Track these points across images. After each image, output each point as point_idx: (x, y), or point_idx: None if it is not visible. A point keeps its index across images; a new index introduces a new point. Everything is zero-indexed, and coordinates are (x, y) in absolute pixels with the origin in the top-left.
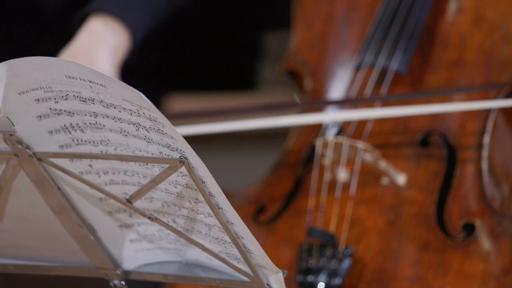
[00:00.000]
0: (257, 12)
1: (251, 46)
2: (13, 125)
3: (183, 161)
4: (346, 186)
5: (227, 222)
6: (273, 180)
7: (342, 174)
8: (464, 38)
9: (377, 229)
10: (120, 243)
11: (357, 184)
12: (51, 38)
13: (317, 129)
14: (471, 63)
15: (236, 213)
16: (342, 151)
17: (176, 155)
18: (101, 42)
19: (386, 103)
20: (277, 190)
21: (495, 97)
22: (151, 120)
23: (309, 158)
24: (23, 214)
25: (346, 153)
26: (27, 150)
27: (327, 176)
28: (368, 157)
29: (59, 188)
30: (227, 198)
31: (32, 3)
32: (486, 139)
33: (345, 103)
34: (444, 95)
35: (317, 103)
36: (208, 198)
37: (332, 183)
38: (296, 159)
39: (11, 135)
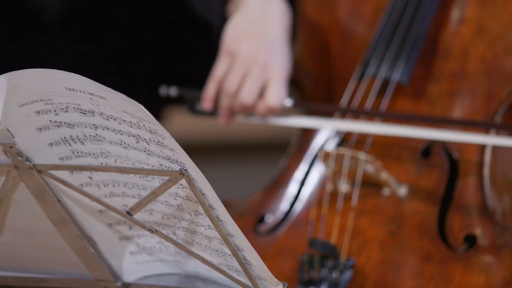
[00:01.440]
0: None
1: None
2: (13, 137)
3: (183, 173)
4: (348, 197)
5: (227, 234)
6: (275, 190)
7: (344, 185)
8: (466, 49)
9: (379, 240)
10: (120, 255)
11: (358, 195)
12: (51, 46)
13: (320, 140)
14: (473, 74)
15: (236, 225)
16: (344, 162)
17: (176, 167)
18: (273, 1)
19: (386, 119)
20: (279, 200)
21: (495, 113)
22: (151, 132)
23: (310, 168)
24: (23, 226)
25: (347, 164)
26: (27, 162)
27: (328, 187)
28: (370, 168)
29: (59, 200)
30: (227, 209)
31: (32, 11)
32: (488, 150)
33: (347, 112)
34: (443, 117)
35: (317, 107)
36: (208, 210)
37: (334, 194)
38: (298, 169)
39: (11, 147)
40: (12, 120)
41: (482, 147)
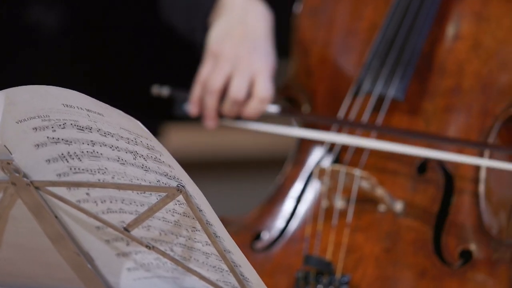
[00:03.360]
0: None
1: None
2: (11, 154)
3: (180, 189)
4: (343, 213)
5: (224, 251)
6: (271, 207)
7: (339, 201)
8: (462, 65)
9: (374, 257)
10: (117, 271)
11: (354, 211)
12: (47, 62)
13: (315, 157)
14: (469, 91)
15: (233, 241)
16: (339, 179)
17: (174, 184)
18: (253, 4)
19: (381, 135)
20: (275, 217)
21: (491, 129)
22: (148, 149)
23: (306, 185)
24: (20, 243)
25: (343, 181)
26: (25, 179)
27: (324, 204)
28: (365, 184)
29: (56, 217)
30: (224, 225)
31: (28, 27)
32: (483, 167)
33: (343, 125)
34: (438, 135)
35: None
36: (206, 226)
37: (329, 211)
38: (294, 186)
39: (8, 163)
40: (9, 136)
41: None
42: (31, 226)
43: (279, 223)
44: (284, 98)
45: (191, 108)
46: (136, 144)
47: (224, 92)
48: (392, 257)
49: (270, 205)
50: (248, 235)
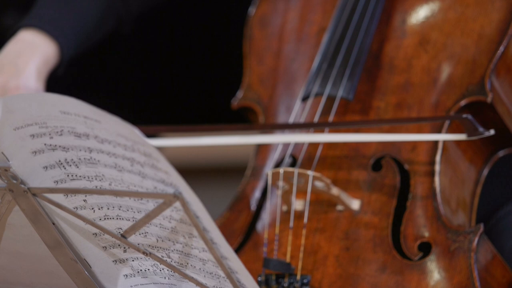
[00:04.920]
0: (226, 53)
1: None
2: (8, 161)
3: (177, 196)
4: (301, 215)
5: (221, 257)
6: (233, 215)
7: (296, 204)
8: (410, 61)
9: (334, 255)
10: (114, 278)
11: (311, 212)
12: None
13: (272, 163)
14: (419, 86)
15: (230, 248)
16: (293, 181)
17: (171, 190)
18: (31, 51)
19: (334, 130)
20: (237, 224)
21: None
22: (145, 155)
23: (264, 190)
24: (17, 249)
25: (297, 182)
26: (22, 186)
27: (282, 207)
28: (320, 184)
29: (53, 223)
30: None
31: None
32: (438, 158)
33: (297, 127)
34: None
35: (270, 126)
36: (202, 233)
37: (287, 213)
38: (253, 193)
39: (6, 170)
40: (7, 143)
41: (432, 157)
42: (28, 233)
43: (240, 230)
44: (239, 108)
45: None
46: (133, 151)
47: None
48: (352, 255)
49: (232, 212)
50: None
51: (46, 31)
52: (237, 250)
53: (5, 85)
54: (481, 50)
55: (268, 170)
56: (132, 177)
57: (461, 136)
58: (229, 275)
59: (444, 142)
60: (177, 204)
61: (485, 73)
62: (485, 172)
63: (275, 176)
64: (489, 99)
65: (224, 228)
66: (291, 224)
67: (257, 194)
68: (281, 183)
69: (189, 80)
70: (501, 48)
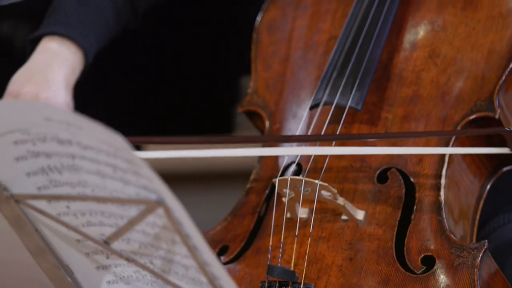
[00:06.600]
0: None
1: (227, 91)
2: None
3: (160, 202)
4: (305, 223)
5: (203, 263)
6: (236, 220)
7: (301, 212)
8: (419, 74)
9: (337, 265)
10: (97, 284)
11: (316, 221)
12: None
13: (277, 169)
14: (427, 99)
15: (213, 254)
16: (300, 189)
17: (153, 197)
18: (59, 61)
19: (341, 142)
20: (239, 230)
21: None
22: (128, 162)
23: (269, 197)
24: (1, 256)
25: (303, 191)
26: (5, 192)
27: (287, 215)
28: (326, 194)
29: (36, 230)
30: None
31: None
32: (444, 172)
33: (303, 141)
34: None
35: (276, 138)
36: (185, 239)
37: (292, 221)
38: (257, 199)
39: None
40: None
41: (438, 171)
42: (11, 239)
43: (244, 236)
44: (247, 113)
45: None
46: (116, 157)
47: None
48: (355, 266)
49: (235, 218)
50: (215, 249)
51: (72, 39)
52: (239, 255)
53: (35, 97)
54: (490, 66)
55: (274, 177)
56: (115, 183)
57: (504, 150)
58: (212, 281)
59: (450, 155)
60: (160, 210)
61: (494, 89)
62: (488, 186)
63: (282, 183)
64: (497, 116)
65: (227, 232)
66: (297, 232)
67: (261, 200)
68: (287, 191)
69: (193, 85)
70: (511, 65)
